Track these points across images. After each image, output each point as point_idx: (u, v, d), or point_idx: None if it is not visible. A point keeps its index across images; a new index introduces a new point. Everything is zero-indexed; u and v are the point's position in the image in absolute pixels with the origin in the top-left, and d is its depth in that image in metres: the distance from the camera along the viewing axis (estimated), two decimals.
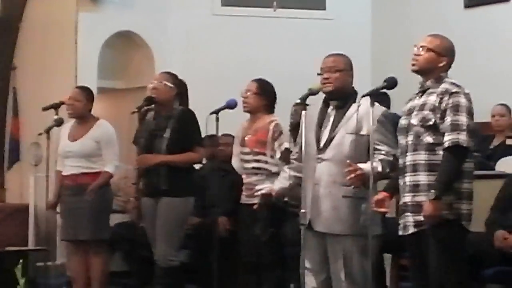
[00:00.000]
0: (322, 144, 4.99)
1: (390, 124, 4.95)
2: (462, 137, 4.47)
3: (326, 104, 5.09)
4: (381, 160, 4.84)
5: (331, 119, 5.02)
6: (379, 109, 4.96)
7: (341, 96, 5.02)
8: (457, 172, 4.51)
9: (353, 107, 4.89)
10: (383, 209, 4.71)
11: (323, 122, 5.04)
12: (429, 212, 4.46)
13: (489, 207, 5.90)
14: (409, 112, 4.69)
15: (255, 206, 5.89)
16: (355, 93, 5.03)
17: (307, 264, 5.01)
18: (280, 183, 5.80)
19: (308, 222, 4.92)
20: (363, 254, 4.77)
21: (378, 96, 4.94)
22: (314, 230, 4.95)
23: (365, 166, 4.73)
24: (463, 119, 4.49)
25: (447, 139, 4.49)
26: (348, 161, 4.76)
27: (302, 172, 5.06)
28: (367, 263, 4.74)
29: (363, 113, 4.80)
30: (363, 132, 4.88)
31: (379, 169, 4.80)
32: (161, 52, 9.23)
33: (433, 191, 4.45)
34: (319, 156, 4.98)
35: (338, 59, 5.08)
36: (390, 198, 4.77)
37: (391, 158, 4.86)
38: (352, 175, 4.72)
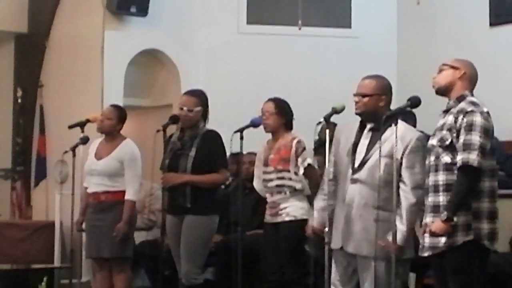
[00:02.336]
0: (356, 166, 4.96)
1: (423, 151, 4.85)
2: (472, 157, 4.41)
3: (363, 125, 5.05)
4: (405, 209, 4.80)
5: (367, 141, 4.99)
6: (413, 133, 4.93)
7: (375, 119, 4.96)
8: (469, 192, 4.45)
9: (389, 130, 4.81)
10: None
11: (358, 143, 5.01)
12: (434, 230, 4.45)
13: None
14: (435, 133, 4.67)
15: None
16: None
17: (335, 281, 5.03)
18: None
19: (339, 243, 4.96)
20: (393, 276, 4.71)
21: (404, 115, 4.92)
22: (344, 250, 4.97)
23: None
24: (475, 138, 4.44)
25: (458, 158, 4.46)
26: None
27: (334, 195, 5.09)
28: (395, 284, 4.72)
29: (398, 136, 4.74)
30: (397, 155, 4.83)
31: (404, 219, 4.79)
32: (186, 70, 9.25)
33: (445, 212, 4.42)
34: (353, 177, 4.96)
35: (369, 84, 4.99)
36: None
37: (413, 197, 4.80)
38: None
